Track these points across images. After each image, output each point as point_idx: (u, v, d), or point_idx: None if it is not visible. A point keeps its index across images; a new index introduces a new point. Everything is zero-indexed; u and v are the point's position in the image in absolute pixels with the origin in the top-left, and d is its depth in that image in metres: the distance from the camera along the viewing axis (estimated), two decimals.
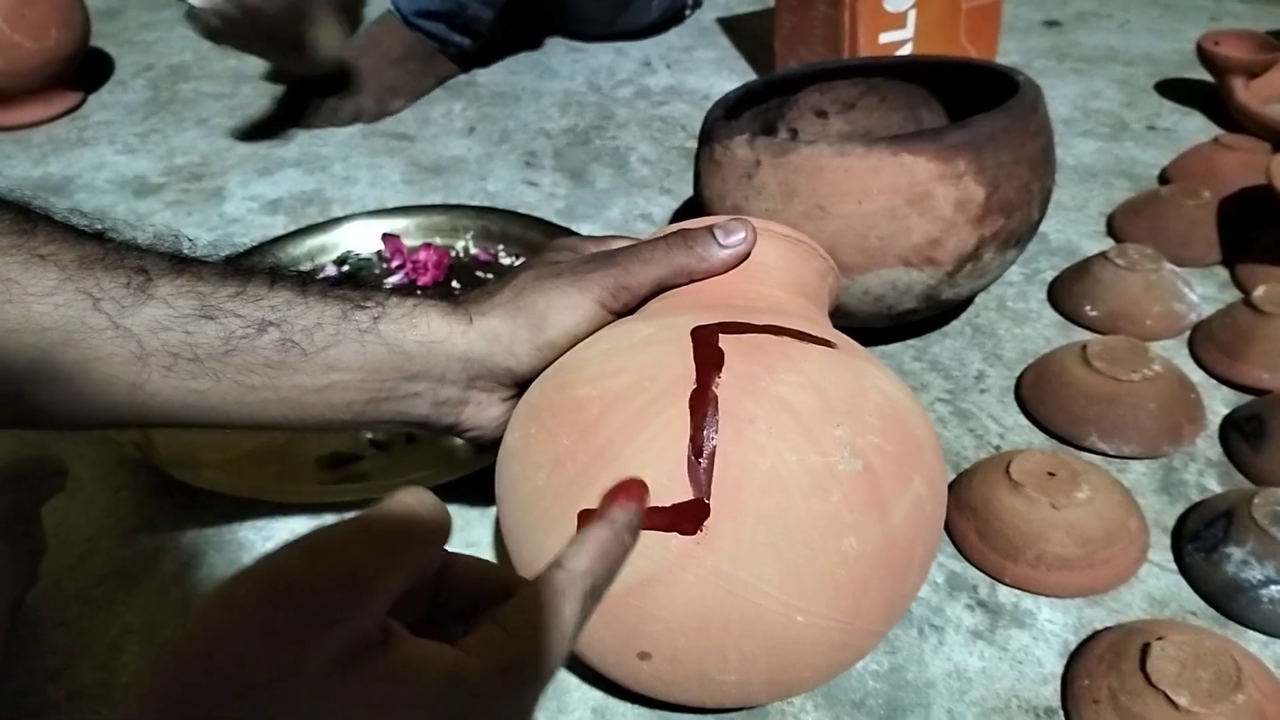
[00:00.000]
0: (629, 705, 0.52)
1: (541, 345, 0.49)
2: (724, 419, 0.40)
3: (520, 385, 0.51)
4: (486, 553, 0.63)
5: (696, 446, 0.40)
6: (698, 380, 0.41)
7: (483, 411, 0.52)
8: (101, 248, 0.45)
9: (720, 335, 0.43)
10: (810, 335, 0.44)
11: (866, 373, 0.44)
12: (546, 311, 0.49)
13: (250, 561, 0.26)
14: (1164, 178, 1.00)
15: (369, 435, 0.72)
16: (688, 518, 0.39)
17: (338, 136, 1.19)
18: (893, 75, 0.88)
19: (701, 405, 0.40)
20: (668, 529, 0.39)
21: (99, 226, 0.46)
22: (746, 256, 0.50)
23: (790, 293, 0.50)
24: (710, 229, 0.49)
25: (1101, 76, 1.22)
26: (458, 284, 0.91)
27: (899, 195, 0.66)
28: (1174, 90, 1.17)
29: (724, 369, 0.42)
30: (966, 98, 0.83)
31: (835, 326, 0.51)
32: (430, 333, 0.49)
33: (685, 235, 0.49)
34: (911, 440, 0.43)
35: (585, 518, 0.36)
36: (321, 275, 0.79)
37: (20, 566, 0.59)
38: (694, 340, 0.43)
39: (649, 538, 0.39)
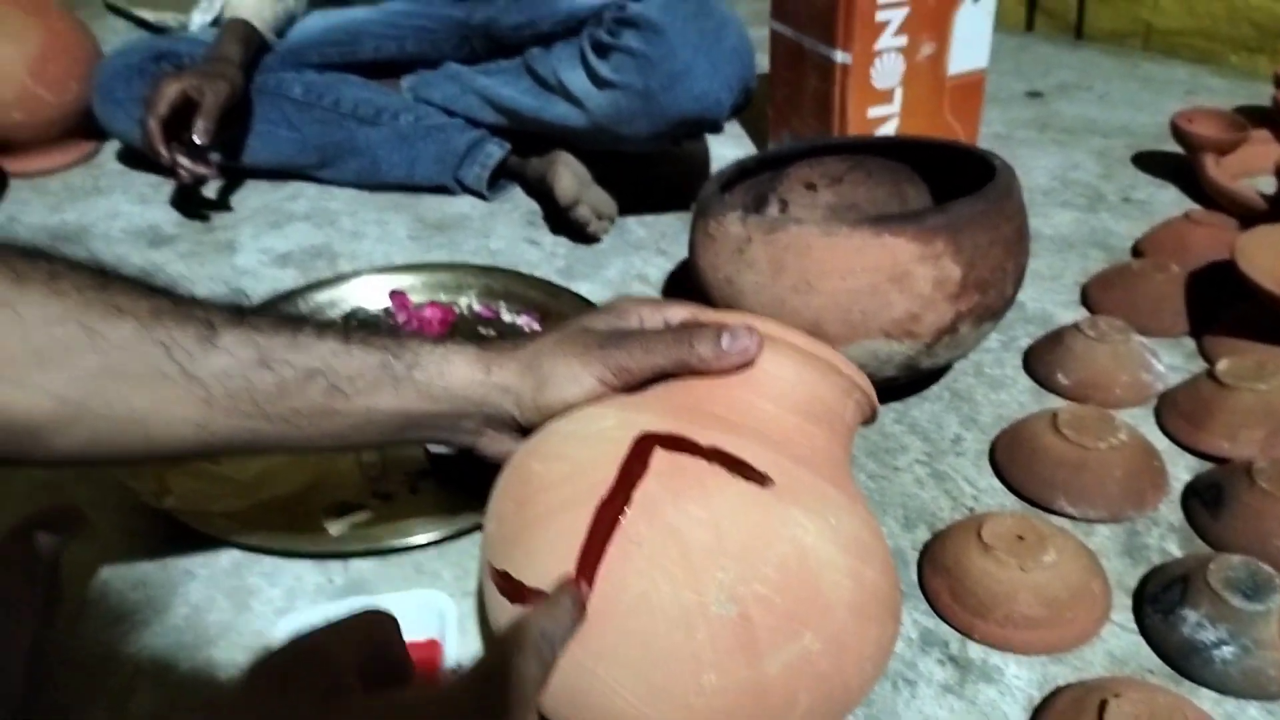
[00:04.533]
0: None
1: (541, 406, 0.54)
2: (618, 534, 0.43)
3: (527, 430, 0.55)
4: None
5: (583, 555, 0.43)
6: (610, 492, 0.45)
7: (494, 444, 0.58)
8: (170, 301, 0.49)
9: (658, 448, 0.46)
10: (748, 468, 0.45)
11: (790, 520, 0.44)
12: (550, 377, 0.54)
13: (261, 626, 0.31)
14: (1137, 250, 1.04)
15: (374, 487, 0.76)
16: None
17: (347, 192, 1.23)
18: (878, 152, 0.92)
19: (603, 517, 0.44)
20: None
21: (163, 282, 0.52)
22: (750, 364, 0.51)
23: (785, 409, 0.51)
24: (718, 331, 0.51)
25: (1081, 148, 1.28)
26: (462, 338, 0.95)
27: (881, 273, 0.70)
28: (1150, 163, 1.23)
29: (639, 485, 0.45)
30: (947, 173, 0.88)
31: None
32: (455, 381, 0.55)
33: (692, 333, 0.52)
34: (815, 598, 0.43)
35: (517, 590, 0.45)
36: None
37: (40, 610, 0.62)
38: (632, 448, 0.46)
39: None
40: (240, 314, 0.52)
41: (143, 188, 1.27)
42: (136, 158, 1.29)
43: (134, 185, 1.28)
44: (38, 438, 0.48)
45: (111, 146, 1.36)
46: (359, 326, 0.57)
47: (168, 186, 1.23)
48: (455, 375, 0.55)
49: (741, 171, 0.89)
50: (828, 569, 0.44)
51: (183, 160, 1.08)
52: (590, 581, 0.43)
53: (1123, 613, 0.64)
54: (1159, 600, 0.63)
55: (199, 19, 1.59)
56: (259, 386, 0.51)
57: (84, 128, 1.33)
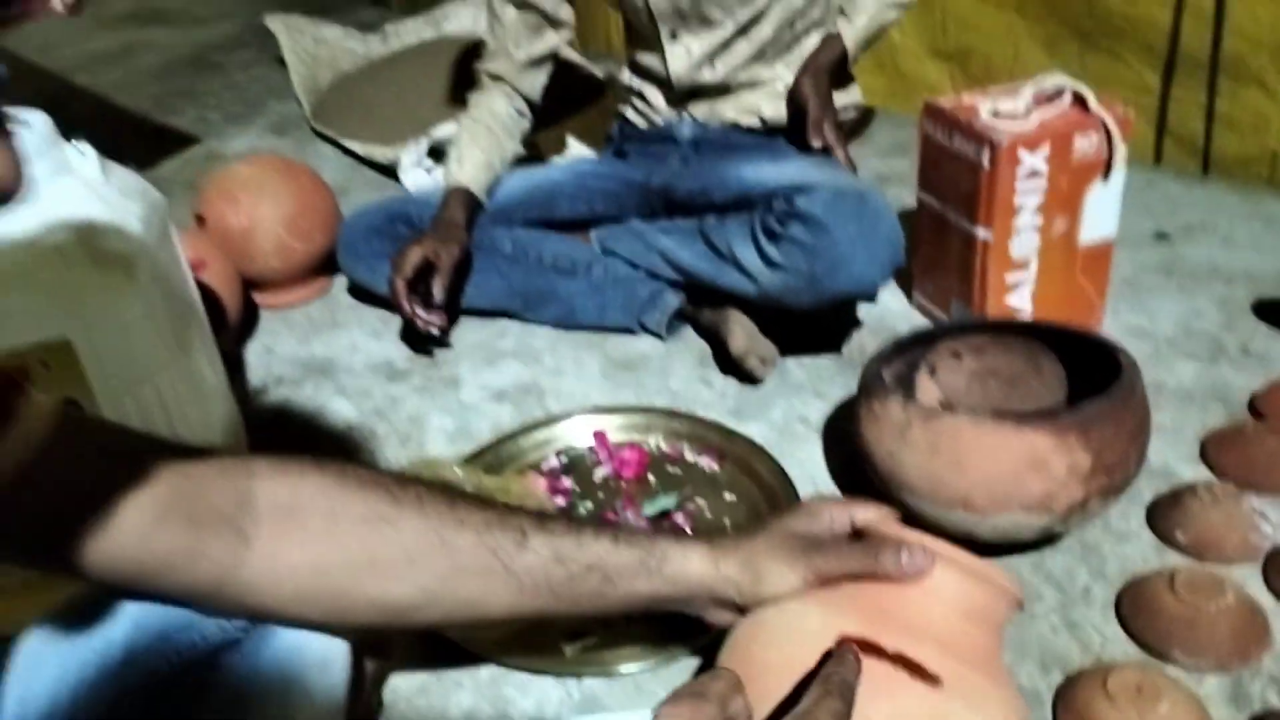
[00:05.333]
0: None
1: (756, 595, 0.72)
2: None
3: (743, 608, 0.72)
4: None
5: None
6: None
7: (716, 615, 0.75)
8: (496, 514, 0.69)
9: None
10: (923, 671, 0.60)
11: (954, 715, 0.59)
12: (764, 574, 0.71)
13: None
14: (1254, 405, 1.16)
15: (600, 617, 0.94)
16: None
17: (546, 330, 1.44)
18: (1016, 330, 1.08)
19: None
20: None
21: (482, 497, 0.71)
22: (923, 577, 0.66)
23: (951, 613, 0.66)
24: (899, 548, 0.67)
25: (1204, 294, 1.39)
26: (653, 477, 1.13)
27: (1022, 461, 0.86)
28: (1271, 312, 1.33)
29: None
30: (1078, 351, 1.03)
31: (974, 551, 0.69)
32: (693, 573, 0.73)
33: (879, 549, 0.68)
34: None
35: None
36: (627, 525, 1.04)
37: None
38: (834, 649, 0.61)
39: None
40: (541, 520, 0.71)
41: (374, 322, 1.50)
42: (365, 294, 1.52)
43: (366, 319, 1.51)
44: (406, 616, 0.68)
45: (342, 281, 1.60)
46: (622, 528, 0.75)
47: (396, 321, 1.45)
48: (693, 569, 0.72)
49: (896, 347, 1.06)
50: None
51: (421, 313, 1.31)
52: None
53: None
54: None
55: (407, 161, 1.84)
56: (555, 577, 0.69)
57: (322, 268, 1.57)
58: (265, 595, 0.64)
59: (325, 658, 0.67)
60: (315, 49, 2.52)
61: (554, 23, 1.44)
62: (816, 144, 1.30)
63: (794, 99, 1.36)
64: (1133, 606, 0.90)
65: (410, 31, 2.59)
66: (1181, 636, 0.86)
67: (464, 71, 1.88)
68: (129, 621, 0.63)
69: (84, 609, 0.64)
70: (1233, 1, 1.61)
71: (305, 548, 0.64)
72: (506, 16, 1.42)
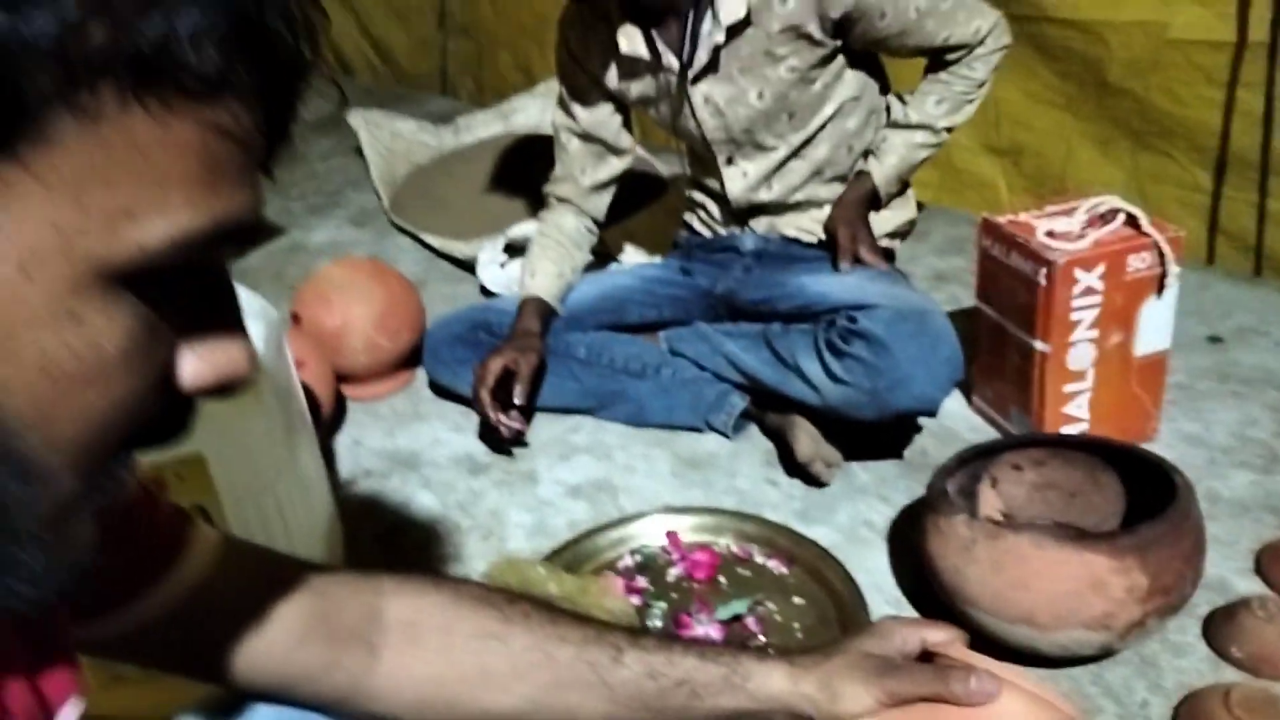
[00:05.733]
0: None
1: (832, 714, 0.77)
2: None
3: None
4: None
5: None
6: None
7: None
8: (593, 630, 0.75)
9: None
10: None
11: None
12: (840, 694, 0.76)
13: None
14: None
15: None
16: None
17: (616, 427, 1.52)
18: (1075, 445, 1.13)
19: None
20: None
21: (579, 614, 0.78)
22: (991, 701, 0.71)
23: None
24: (968, 674, 0.73)
25: (1258, 401, 1.43)
26: (724, 579, 1.19)
27: (1082, 581, 0.91)
28: None
29: None
30: (1136, 466, 1.07)
31: (1036, 664, 0.73)
32: (774, 690, 0.78)
33: (949, 673, 0.74)
34: None
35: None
36: (698, 636, 1.11)
37: None
38: None
39: None
40: (633, 635, 0.77)
41: (455, 416, 1.58)
42: (444, 390, 1.61)
43: (447, 413, 1.60)
44: None
45: (424, 374, 1.68)
46: (707, 644, 0.81)
47: (475, 415, 1.53)
48: (775, 686, 0.78)
49: (959, 460, 1.11)
50: None
51: (504, 419, 1.39)
52: None
53: None
54: None
55: (484, 258, 1.94)
56: (648, 691, 0.75)
57: (407, 361, 1.67)
58: (390, 703, 0.71)
59: None
60: (392, 143, 2.66)
61: (616, 151, 1.54)
62: (845, 269, 1.38)
63: (829, 233, 1.45)
64: None
65: (480, 125, 2.72)
66: None
67: (534, 168, 1.98)
68: None
69: (224, 708, 0.72)
70: None
71: (426, 661, 0.71)
72: (571, 146, 1.53)
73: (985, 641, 0.95)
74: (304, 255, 2.26)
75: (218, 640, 0.65)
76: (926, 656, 0.79)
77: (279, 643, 0.65)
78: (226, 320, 0.37)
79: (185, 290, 0.35)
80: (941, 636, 0.80)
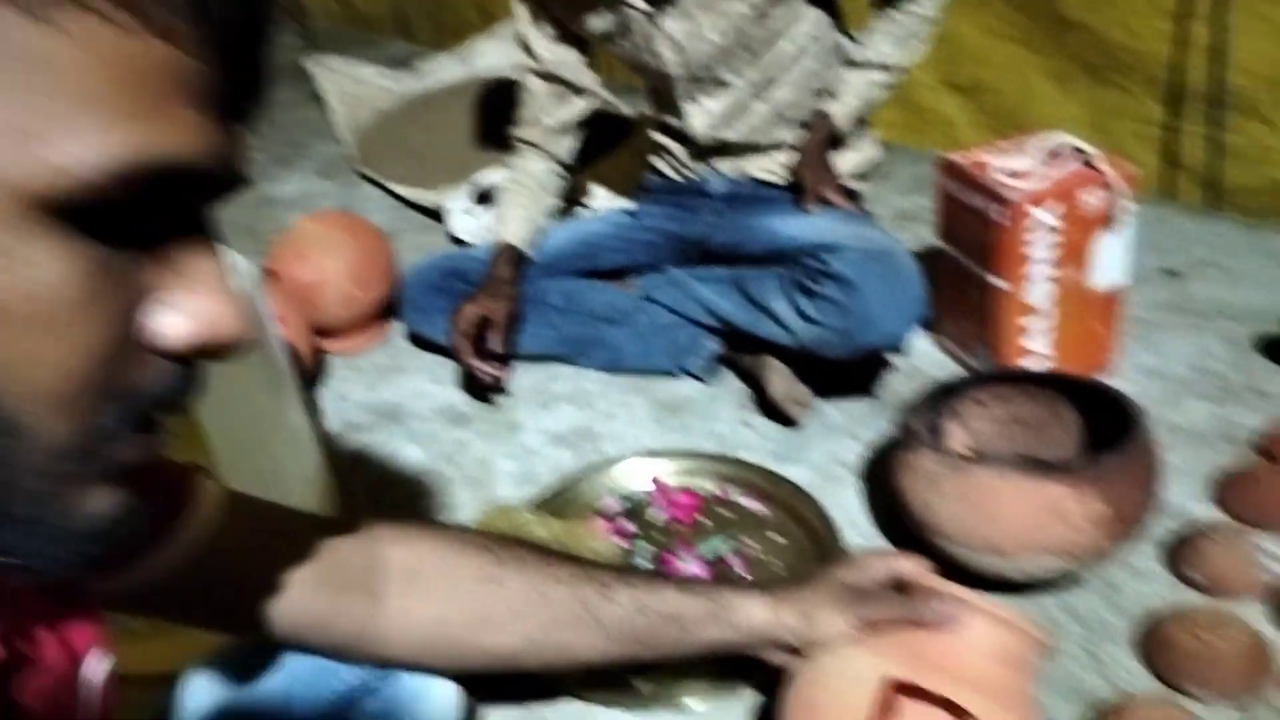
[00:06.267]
0: None
1: (810, 641, 0.82)
2: None
3: (798, 652, 0.82)
4: None
5: None
6: None
7: (775, 656, 0.86)
8: (583, 570, 0.79)
9: (898, 694, 0.72)
10: (960, 710, 0.71)
11: None
12: (818, 622, 0.82)
13: None
14: (1260, 445, 1.25)
15: None
16: None
17: (594, 374, 1.55)
18: (1036, 380, 1.18)
19: None
20: None
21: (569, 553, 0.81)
22: (958, 625, 0.77)
23: (983, 657, 0.76)
24: (935, 601, 0.78)
25: (1213, 332, 1.48)
26: (705, 520, 1.23)
27: (1044, 510, 0.96)
28: (1274, 349, 1.42)
29: (889, 718, 0.72)
30: (1095, 399, 1.12)
31: (1003, 591, 0.78)
32: (756, 621, 0.83)
33: (918, 600, 0.79)
34: None
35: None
36: (688, 576, 1.14)
37: None
38: (881, 693, 0.72)
39: None
40: (621, 573, 0.81)
41: (435, 367, 1.60)
42: (423, 340, 1.63)
43: (427, 365, 1.62)
44: (512, 663, 0.79)
45: (401, 326, 1.70)
46: (691, 580, 0.85)
47: (454, 366, 1.55)
48: (756, 617, 0.83)
49: (925, 398, 1.15)
50: None
51: (482, 366, 1.41)
52: None
53: None
54: None
55: (454, 208, 1.95)
56: (638, 626, 0.79)
57: (382, 313, 1.68)
58: (395, 647, 0.74)
59: (445, 701, 0.78)
60: (353, 88, 2.63)
61: (578, 90, 1.54)
62: (812, 211, 1.41)
63: (794, 176, 1.48)
64: (1151, 643, 1.00)
65: (441, 68, 2.68)
66: (1195, 671, 0.95)
67: (500, 113, 1.98)
68: (284, 670, 0.75)
69: (243, 658, 0.75)
70: (1231, 36, 1.69)
71: (428, 605, 0.75)
72: (534, 87, 1.54)
73: (955, 571, 1.00)
74: (274, 208, 2.25)
75: (229, 592, 0.67)
76: (900, 588, 0.84)
77: (288, 592, 0.68)
78: (206, 275, 0.36)
79: (155, 238, 0.35)
80: (911, 566, 0.85)
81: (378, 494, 1.35)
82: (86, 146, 0.30)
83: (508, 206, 1.56)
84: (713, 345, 1.50)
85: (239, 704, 0.75)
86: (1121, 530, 0.98)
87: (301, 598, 0.69)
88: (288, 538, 0.71)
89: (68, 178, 0.30)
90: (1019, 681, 0.78)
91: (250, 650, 0.76)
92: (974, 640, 0.77)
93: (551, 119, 1.55)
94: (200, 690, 0.75)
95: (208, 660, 0.77)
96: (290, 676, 0.75)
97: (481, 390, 1.50)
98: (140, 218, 0.33)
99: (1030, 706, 0.78)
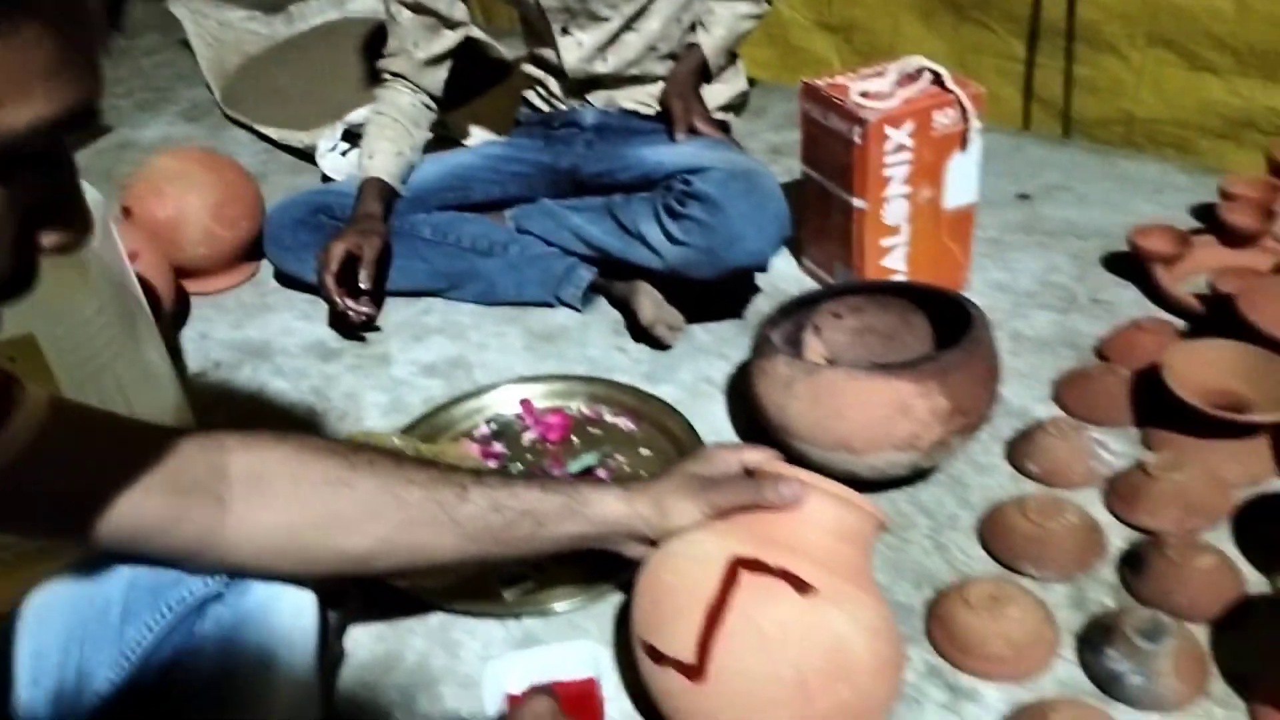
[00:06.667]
0: None
1: (664, 530, 0.84)
2: (721, 629, 0.74)
3: (654, 541, 0.85)
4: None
5: (700, 641, 0.74)
6: (715, 600, 0.75)
7: (632, 549, 0.88)
8: (438, 471, 0.79)
9: (743, 570, 0.76)
10: (802, 582, 0.74)
11: (829, 616, 0.74)
12: (670, 511, 0.84)
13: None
14: (1099, 350, 1.32)
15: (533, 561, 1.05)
16: (693, 673, 0.75)
17: (469, 307, 1.54)
18: (887, 290, 1.22)
19: (712, 617, 0.75)
20: (684, 675, 0.75)
21: (428, 458, 0.82)
22: (800, 505, 0.80)
23: (825, 535, 0.80)
24: (778, 482, 0.81)
25: (1061, 250, 1.55)
26: (576, 439, 1.25)
27: (890, 406, 1.00)
28: (1117, 264, 1.49)
29: (735, 593, 0.75)
30: (943, 307, 1.17)
31: (856, 488, 0.82)
32: (611, 514, 0.85)
33: (762, 484, 0.81)
34: (847, 666, 0.73)
35: (658, 655, 0.77)
36: (557, 473, 1.18)
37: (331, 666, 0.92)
38: (728, 569, 0.76)
39: (674, 675, 0.76)
40: (478, 475, 0.82)
41: (303, 305, 1.58)
42: (292, 279, 1.60)
43: (295, 302, 1.59)
44: (366, 565, 0.79)
45: (269, 265, 1.66)
46: (548, 478, 0.87)
47: (324, 304, 1.53)
48: (611, 509, 0.84)
49: (783, 311, 1.18)
50: (855, 647, 0.74)
51: (352, 304, 1.39)
52: (706, 658, 0.73)
53: (1068, 651, 0.92)
54: (1092, 642, 0.91)
55: (324, 146, 1.91)
56: (494, 523, 0.80)
57: (249, 253, 1.64)
58: (242, 553, 0.73)
59: (298, 607, 0.77)
60: (220, 32, 2.54)
61: (449, 23, 1.52)
62: (681, 140, 1.43)
63: (663, 106, 1.49)
64: (991, 529, 1.05)
65: (314, 12, 2.62)
66: (1031, 552, 1.01)
67: (372, 53, 1.94)
68: (125, 581, 0.73)
69: (85, 571, 0.74)
70: None
71: (275, 509, 0.74)
72: (403, 18, 1.51)
73: (810, 470, 1.03)
74: (134, 152, 2.16)
75: (57, 495, 0.66)
76: (751, 476, 0.87)
77: (124, 498, 0.67)
78: (71, 192, 0.42)
79: (34, 164, 0.39)
80: (758, 456, 0.88)
81: (243, 426, 1.32)
82: (32, 112, 0.35)
83: (375, 140, 1.53)
84: (587, 275, 1.51)
85: (79, 620, 0.72)
86: (963, 423, 1.02)
87: (140, 502, 0.68)
88: (123, 442, 0.69)
89: (9, 137, 0.35)
90: (858, 556, 0.81)
91: (93, 566, 0.74)
92: (814, 518, 0.80)
93: (421, 51, 1.53)
94: (43, 607, 0.73)
95: (51, 578, 0.74)
96: (132, 588, 0.73)
97: (350, 329, 1.48)
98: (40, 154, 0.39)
99: (868, 579, 0.82)
